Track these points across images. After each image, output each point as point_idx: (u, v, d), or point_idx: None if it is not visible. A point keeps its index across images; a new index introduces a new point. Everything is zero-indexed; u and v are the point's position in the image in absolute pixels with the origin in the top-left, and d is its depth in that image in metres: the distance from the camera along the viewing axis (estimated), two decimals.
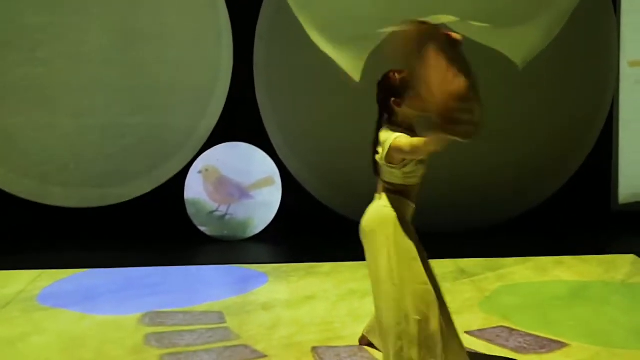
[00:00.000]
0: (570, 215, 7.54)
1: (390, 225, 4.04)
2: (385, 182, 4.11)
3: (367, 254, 4.13)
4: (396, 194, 4.09)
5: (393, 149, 3.92)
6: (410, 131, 4.01)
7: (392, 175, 4.06)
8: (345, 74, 6.39)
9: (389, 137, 3.95)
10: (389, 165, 4.00)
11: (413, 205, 4.14)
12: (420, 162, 4.04)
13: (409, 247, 4.04)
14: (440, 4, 6.41)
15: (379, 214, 4.08)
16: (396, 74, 4.03)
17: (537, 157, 7.44)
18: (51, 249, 7.08)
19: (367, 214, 4.15)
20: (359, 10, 6.60)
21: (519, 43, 6.26)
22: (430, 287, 4.04)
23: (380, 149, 4.04)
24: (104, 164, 7.48)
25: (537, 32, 6.37)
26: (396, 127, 4.02)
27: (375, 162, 4.10)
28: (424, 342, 3.95)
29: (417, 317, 3.96)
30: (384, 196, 4.10)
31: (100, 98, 7.41)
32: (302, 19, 6.58)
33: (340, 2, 6.57)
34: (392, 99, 4.02)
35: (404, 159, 3.96)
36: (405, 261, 4.02)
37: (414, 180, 4.07)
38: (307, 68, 7.36)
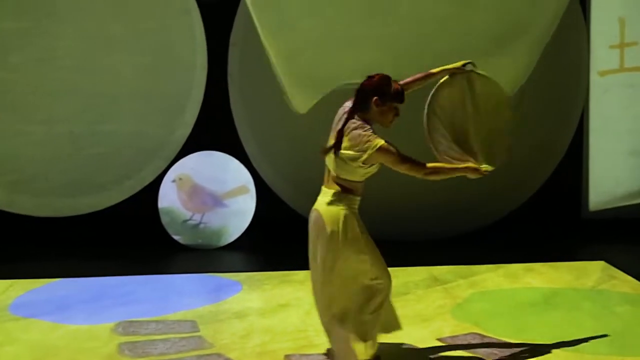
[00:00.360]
0: (541, 223, 7.62)
1: (341, 223, 4.21)
2: (339, 177, 4.25)
3: (313, 246, 4.37)
4: (348, 192, 4.25)
5: (382, 153, 4.09)
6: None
7: (353, 172, 4.21)
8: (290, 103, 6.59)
9: (373, 140, 4.10)
10: (361, 165, 4.11)
11: (359, 198, 4.31)
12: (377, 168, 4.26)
13: (359, 243, 4.22)
14: (416, 48, 6.56)
15: (331, 212, 4.24)
16: (390, 81, 4.25)
17: (508, 166, 7.50)
18: (23, 258, 7.03)
19: (318, 209, 4.31)
20: (328, 51, 6.74)
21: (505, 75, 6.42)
22: (376, 282, 4.24)
23: (347, 143, 4.16)
24: (77, 172, 7.45)
25: (516, 62, 6.58)
26: (365, 123, 4.20)
27: (328, 151, 4.28)
28: (360, 328, 4.20)
29: (358, 307, 4.23)
30: (334, 192, 4.26)
31: (72, 105, 7.39)
32: (267, 44, 6.67)
33: (313, 39, 6.70)
34: (375, 97, 4.19)
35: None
36: (354, 256, 4.22)
37: (365, 178, 4.26)
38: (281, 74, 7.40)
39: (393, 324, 4.52)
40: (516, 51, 6.80)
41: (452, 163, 4.38)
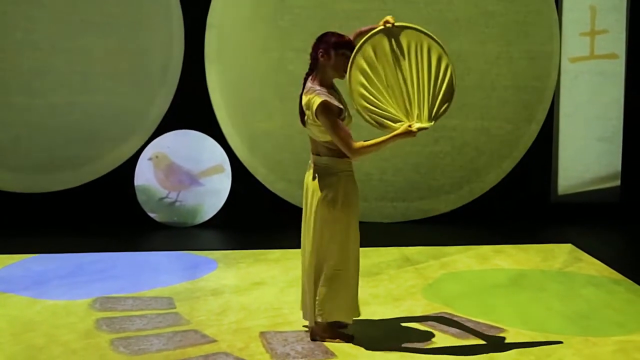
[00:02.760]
0: (510, 206, 7.76)
1: (333, 191, 4.34)
2: (322, 141, 4.34)
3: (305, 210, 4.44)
4: (339, 156, 4.32)
5: (321, 110, 4.20)
6: (332, 88, 4.35)
7: (324, 133, 4.30)
8: None
9: (316, 97, 4.23)
10: (318, 125, 4.25)
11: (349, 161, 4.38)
12: (350, 117, 4.35)
13: (339, 224, 4.36)
14: None
15: (325, 178, 4.35)
16: (331, 32, 4.36)
17: (480, 149, 7.66)
18: None
19: (314, 173, 4.41)
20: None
21: None
22: (335, 270, 4.41)
23: (304, 106, 4.33)
24: (54, 149, 7.48)
25: None
26: (319, 85, 4.31)
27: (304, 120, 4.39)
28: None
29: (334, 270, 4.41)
30: (325, 159, 4.35)
31: (49, 84, 7.41)
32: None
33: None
34: (320, 50, 4.30)
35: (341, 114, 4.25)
36: (329, 236, 4.39)
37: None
38: (257, 57, 7.46)
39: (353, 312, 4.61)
40: None
41: (383, 128, 4.32)
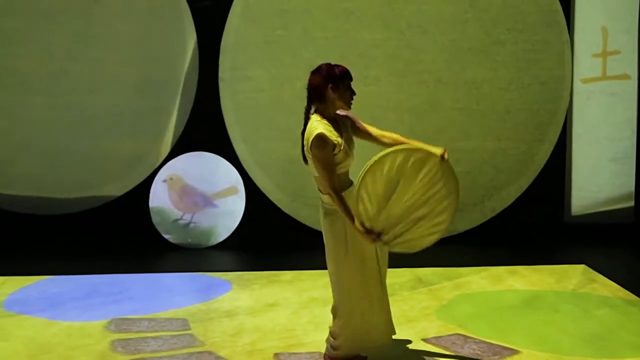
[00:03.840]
0: (524, 226, 7.76)
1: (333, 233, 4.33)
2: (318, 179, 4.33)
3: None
4: (340, 192, 4.25)
5: (316, 141, 4.18)
6: (334, 121, 4.32)
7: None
8: None
9: (315, 128, 4.22)
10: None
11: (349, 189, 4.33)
12: (347, 153, 4.28)
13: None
14: None
15: (327, 220, 4.34)
16: (333, 65, 4.33)
17: (493, 170, 7.67)
18: (15, 256, 7.12)
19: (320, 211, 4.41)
20: None
21: None
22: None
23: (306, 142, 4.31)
24: (69, 171, 7.55)
25: None
26: (322, 117, 4.29)
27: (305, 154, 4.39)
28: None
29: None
30: (325, 197, 4.32)
31: (64, 105, 7.53)
32: None
33: None
34: (329, 85, 4.28)
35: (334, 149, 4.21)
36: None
37: (343, 170, 4.31)
38: (271, 79, 7.52)
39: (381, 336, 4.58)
40: None
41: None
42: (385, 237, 4.27)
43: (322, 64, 4.37)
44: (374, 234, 4.23)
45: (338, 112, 4.39)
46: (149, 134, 7.60)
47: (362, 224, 4.21)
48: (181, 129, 7.60)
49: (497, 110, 7.58)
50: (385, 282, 4.54)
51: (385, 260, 4.52)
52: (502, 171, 7.65)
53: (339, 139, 4.27)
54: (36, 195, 7.58)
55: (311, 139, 4.23)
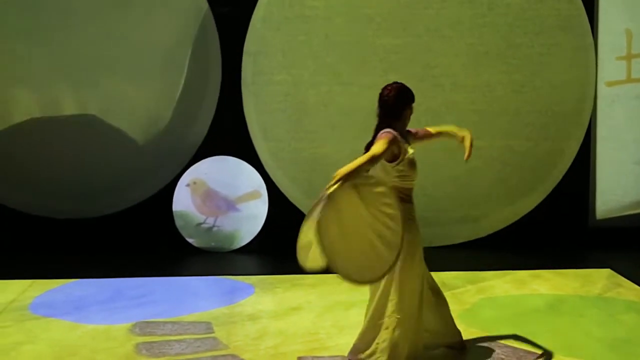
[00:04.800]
0: (548, 230, 7.72)
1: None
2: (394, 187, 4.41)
3: None
4: (402, 201, 4.36)
5: (380, 139, 4.32)
6: (402, 136, 4.43)
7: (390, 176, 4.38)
8: None
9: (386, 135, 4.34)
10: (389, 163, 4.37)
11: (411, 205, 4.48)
12: (412, 166, 4.40)
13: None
14: None
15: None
16: (407, 88, 4.53)
17: (517, 173, 7.64)
18: (41, 259, 7.18)
19: None
20: None
21: None
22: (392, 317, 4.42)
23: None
24: (93, 176, 7.60)
25: None
26: (397, 132, 4.40)
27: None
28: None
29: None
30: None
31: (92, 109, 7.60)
32: None
33: None
34: (407, 106, 4.48)
35: (396, 157, 4.33)
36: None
37: (410, 184, 4.44)
38: (294, 84, 7.54)
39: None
40: None
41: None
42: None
43: (397, 83, 4.53)
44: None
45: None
46: (173, 139, 7.63)
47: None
48: (204, 133, 7.62)
49: (509, 111, 7.55)
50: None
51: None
52: (523, 171, 7.60)
53: (409, 150, 4.42)
54: (62, 199, 7.63)
55: (382, 133, 4.35)
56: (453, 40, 7.49)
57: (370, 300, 4.54)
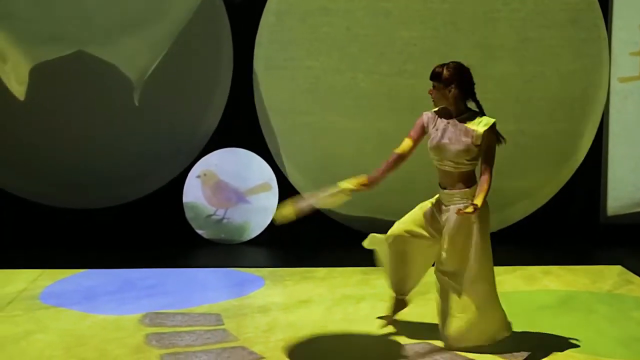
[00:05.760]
0: (559, 226, 7.70)
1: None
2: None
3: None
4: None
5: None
6: (444, 116, 4.72)
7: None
8: None
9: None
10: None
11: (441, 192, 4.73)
12: (430, 146, 4.68)
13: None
14: None
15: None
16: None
17: (528, 168, 7.61)
18: (51, 249, 7.20)
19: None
20: None
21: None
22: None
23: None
24: (104, 166, 7.61)
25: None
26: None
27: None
28: None
29: None
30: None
31: (99, 103, 7.58)
32: None
33: None
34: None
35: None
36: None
37: (436, 164, 4.70)
38: (305, 76, 7.52)
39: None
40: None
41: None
42: None
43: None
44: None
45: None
46: (183, 130, 7.63)
47: None
48: (215, 125, 7.62)
49: (521, 99, 7.53)
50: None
51: None
52: (531, 158, 7.57)
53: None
54: (72, 189, 7.64)
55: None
56: (468, 34, 7.46)
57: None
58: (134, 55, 7.33)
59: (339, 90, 7.47)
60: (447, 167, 4.61)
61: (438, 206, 4.73)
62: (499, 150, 4.65)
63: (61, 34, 7.20)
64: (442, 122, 4.61)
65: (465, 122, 4.57)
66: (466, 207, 4.45)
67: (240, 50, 7.55)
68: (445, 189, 4.66)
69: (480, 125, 4.54)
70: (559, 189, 7.64)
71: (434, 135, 4.61)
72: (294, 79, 7.50)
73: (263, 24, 7.48)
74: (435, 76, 4.58)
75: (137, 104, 7.38)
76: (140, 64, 7.38)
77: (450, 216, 4.62)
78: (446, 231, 4.66)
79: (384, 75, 7.38)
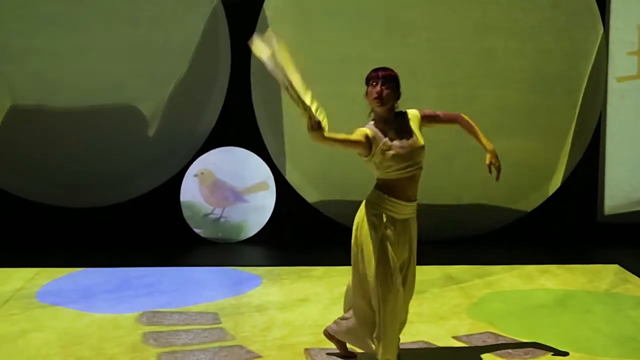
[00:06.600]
0: (556, 225, 7.70)
1: (361, 217, 4.30)
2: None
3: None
4: (377, 189, 4.31)
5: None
6: (385, 124, 4.32)
7: (372, 170, 4.31)
8: None
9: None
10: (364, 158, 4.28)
11: (400, 202, 4.26)
12: (393, 157, 4.23)
13: (369, 247, 4.25)
14: None
15: (358, 212, 4.34)
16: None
17: (526, 168, 7.62)
18: (48, 247, 7.20)
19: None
20: None
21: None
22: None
23: None
24: (100, 165, 7.60)
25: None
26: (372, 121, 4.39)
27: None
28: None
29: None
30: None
31: (97, 100, 7.58)
32: None
33: None
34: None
35: (370, 152, 4.24)
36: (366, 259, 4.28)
37: (393, 175, 4.25)
38: (303, 75, 7.49)
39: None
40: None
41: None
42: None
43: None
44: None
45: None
46: (181, 129, 7.62)
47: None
48: (212, 124, 7.61)
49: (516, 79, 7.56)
50: None
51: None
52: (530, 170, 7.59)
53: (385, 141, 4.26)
54: (69, 188, 7.63)
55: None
56: (460, 13, 7.48)
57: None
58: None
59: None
60: (415, 171, 4.29)
61: (392, 226, 4.29)
62: None
63: None
64: (387, 129, 4.31)
65: (402, 120, 4.38)
66: (493, 163, 4.35)
67: (237, 49, 7.54)
68: (409, 200, 4.29)
69: (411, 116, 4.40)
70: (556, 188, 7.64)
71: (393, 143, 4.26)
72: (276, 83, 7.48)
73: (261, 22, 7.47)
74: (392, 78, 4.42)
75: (150, 135, 7.50)
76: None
77: (411, 223, 4.37)
78: (411, 240, 4.40)
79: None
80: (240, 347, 4.82)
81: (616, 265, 6.68)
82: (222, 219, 7.50)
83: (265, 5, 7.44)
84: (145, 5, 7.49)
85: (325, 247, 7.13)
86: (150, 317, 5.35)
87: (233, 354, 4.69)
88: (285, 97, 7.47)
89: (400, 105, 4.41)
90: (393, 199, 4.26)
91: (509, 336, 5.00)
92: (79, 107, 7.55)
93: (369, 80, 4.38)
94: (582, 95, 7.59)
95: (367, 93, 4.39)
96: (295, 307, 5.60)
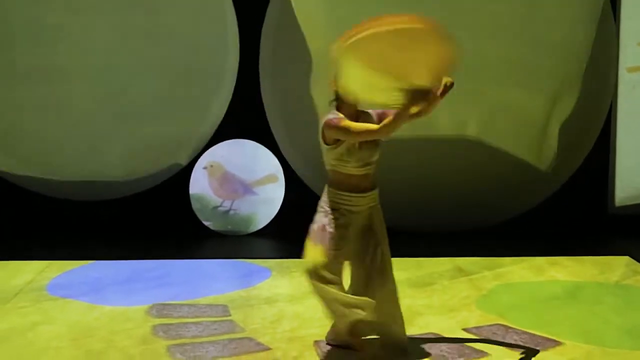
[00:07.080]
0: (566, 217, 7.67)
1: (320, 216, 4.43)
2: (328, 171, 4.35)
3: None
4: (330, 186, 4.35)
5: (326, 126, 4.21)
6: (351, 119, 4.23)
7: (327, 159, 4.31)
8: None
9: (325, 116, 4.22)
10: (325, 144, 4.26)
11: (355, 195, 4.28)
12: (355, 154, 4.20)
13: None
14: None
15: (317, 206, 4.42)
16: None
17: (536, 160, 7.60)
18: (58, 240, 7.22)
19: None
20: None
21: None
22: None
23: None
24: (111, 159, 7.61)
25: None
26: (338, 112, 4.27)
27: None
28: None
29: None
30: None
31: (107, 92, 7.57)
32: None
33: None
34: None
35: (337, 140, 4.19)
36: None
37: (348, 170, 4.25)
38: (312, 67, 7.50)
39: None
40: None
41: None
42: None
43: None
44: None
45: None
46: (190, 121, 7.62)
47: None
48: (221, 116, 7.61)
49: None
50: None
51: None
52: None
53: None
54: (79, 181, 7.65)
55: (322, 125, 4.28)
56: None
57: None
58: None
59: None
60: (369, 170, 4.30)
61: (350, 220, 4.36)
62: None
63: None
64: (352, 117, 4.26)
65: (366, 118, 4.32)
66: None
67: (247, 40, 7.52)
68: (365, 192, 4.31)
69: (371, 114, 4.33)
70: (566, 179, 7.61)
71: None
72: (301, 69, 7.47)
73: (269, 13, 7.45)
74: None
75: (159, 127, 7.56)
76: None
77: (373, 213, 4.38)
78: (378, 227, 4.42)
79: None
80: (250, 339, 4.82)
81: (627, 257, 6.65)
82: (232, 212, 7.51)
83: None
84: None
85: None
86: (160, 309, 5.36)
87: (242, 346, 4.69)
88: (294, 86, 7.50)
89: None
90: (348, 193, 4.27)
91: (519, 328, 4.99)
92: (89, 103, 7.54)
93: None
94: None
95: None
96: (304, 299, 5.59)
